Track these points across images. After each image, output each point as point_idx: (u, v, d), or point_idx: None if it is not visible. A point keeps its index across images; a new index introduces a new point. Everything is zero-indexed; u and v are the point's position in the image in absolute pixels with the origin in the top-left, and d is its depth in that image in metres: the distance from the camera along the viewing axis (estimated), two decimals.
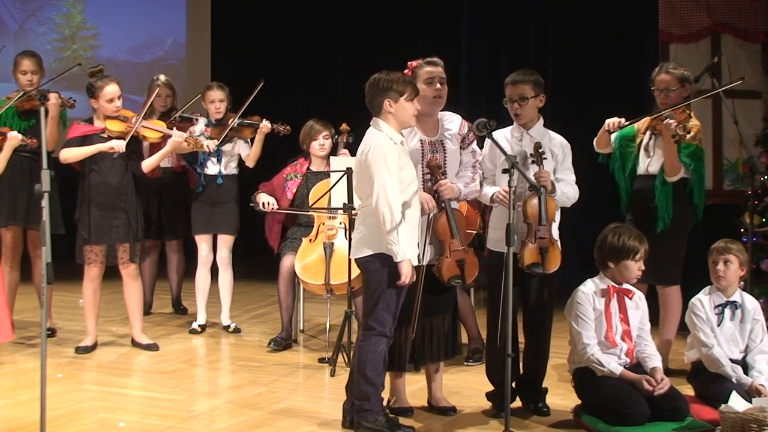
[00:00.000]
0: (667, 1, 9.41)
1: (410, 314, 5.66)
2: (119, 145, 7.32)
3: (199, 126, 8.35)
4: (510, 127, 6.08)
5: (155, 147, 7.85)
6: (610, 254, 5.80)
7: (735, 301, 5.99)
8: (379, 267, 5.37)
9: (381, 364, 5.47)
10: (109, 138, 7.41)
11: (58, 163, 7.59)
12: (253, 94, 8.21)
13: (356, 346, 5.63)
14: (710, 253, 6.03)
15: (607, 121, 6.83)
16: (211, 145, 8.09)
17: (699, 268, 6.55)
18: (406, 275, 5.28)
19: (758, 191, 7.73)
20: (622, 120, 6.82)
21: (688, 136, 6.58)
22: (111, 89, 7.40)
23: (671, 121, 6.56)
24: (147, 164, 7.61)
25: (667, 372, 6.51)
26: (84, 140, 7.42)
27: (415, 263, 5.45)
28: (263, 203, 7.88)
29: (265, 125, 8.23)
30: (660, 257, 6.44)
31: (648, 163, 6.88)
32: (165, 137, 7.72)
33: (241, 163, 8.48)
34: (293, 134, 8.25)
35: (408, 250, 5.29)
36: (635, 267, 5.77)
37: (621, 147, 6.99)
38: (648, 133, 6.91)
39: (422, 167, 5.76)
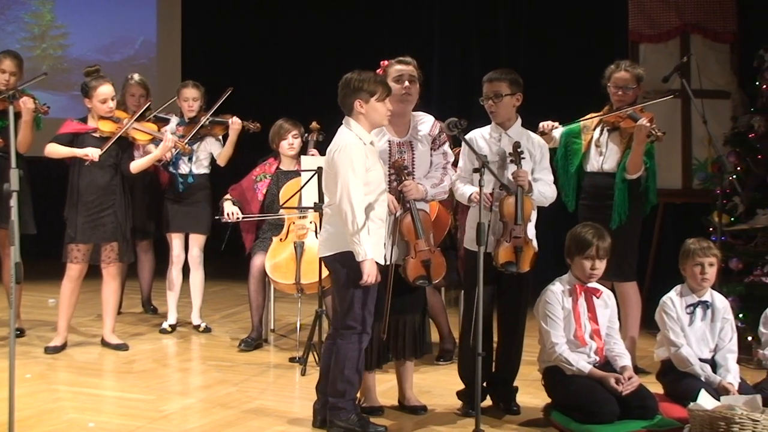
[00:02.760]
0: (637, 2, 9.44)
1: (381, 314, 5.67)
2: (93, 153, 7.33)
3: (171, 125, 8.33)
4: (488, 127, 6.09)
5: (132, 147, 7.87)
6: (568, 251, 5.85)
7: (706, 301, 6.01)
8: (347, 265, 5.36)
9: (359, 362, 5.48)
10: (101, 137, 7.44)
11: (32, 164, 7.55)
12: (221, 101, 8.22)
13: (326, 345, 5.63)
14: (690, 254, 5.97)
15: (541, 123, 6.93)
16: (188, 146, 8.09)
17: (669, 266, 6.58)
18: (369, 274, 5.28)
19: (727, 190, 7.76)
20: (556, 123, 6.96)
21: (661, 134, 6.62)
22: (105, 90, 7.43)
23: (645, 121, 6.60)
24: (136, 165, 7.61)
25: (636, 370, 6.55)
26: (74, 138, 7.46)
27: (382, 262, 5.46)
28: (227, 214, 7.87)
29: (236, 121, 8.24)
30: (615, 254, 6.47)
31: (601, 160, 6.94)
32: (155, 140, 7.74)
33: (212, 161, 8.46)
34: (263, 134, 8.25)
35: (371, 249, 5.30)
36: (587, 265, 5.77)
37: (566, 144, 7.06)
38: (600, 129, 6.97)
39: (389, 168, 5.77)
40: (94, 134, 7.47)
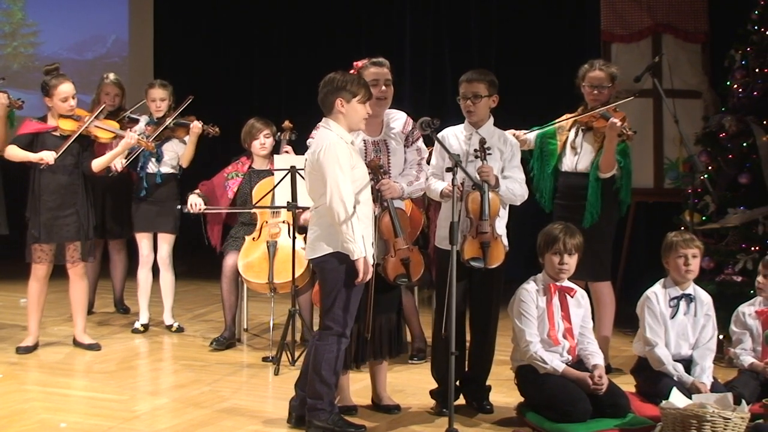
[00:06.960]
0: (609, 1, 9.48)
1: (361, 313, 5.67)
2: (48, 157, 7.23)
3: (140, 125, 8.30)
4: (461, 125, 6.11)
5: (100, 147, 7.79)
6: (539, 249, 5.87)
7: (690, 294, 6.02)
8: (335, 266, 5.36)
9: (336, 364, 5.46)
10: (61, 136, 7.36)
11: (8, 164, 7.50)
12: (180, 109, 8.22)
13: (311, 345, 5.62)
14: (673, 247, 5.97)
15: (512, 131, 6.89)
16: (151, 144, 8.06)
17: (642, 264, 6.60)
18: (364, 272, 5.29)
19: (698, 189, 7.81)
20: (521, 132, 6.92)
21: (631, 133, 6.65)
22: (65, 88, 7.34)
23: (616, 120, 6.62)
24: (97, 164, 7.53)
25: (609, 369, 6.57)
26: (35, 137, 7.37)
27: (371, 261, 5.46)
28: (191, 204, 7.83)
29: (196, 125, 8.21)
30: (589, 254, 6.48)
31: (576, 161, 6.95)
32: (117, 137, 7.68)
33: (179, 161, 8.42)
34: (235, 133, 8.22)
35: (363, 247, 5.30)
36: (555, 260, 5.77)
37: (541, 146, 7.08)
38: (575, 129, 6.98)
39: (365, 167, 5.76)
40: (54, 133, 7.38)
